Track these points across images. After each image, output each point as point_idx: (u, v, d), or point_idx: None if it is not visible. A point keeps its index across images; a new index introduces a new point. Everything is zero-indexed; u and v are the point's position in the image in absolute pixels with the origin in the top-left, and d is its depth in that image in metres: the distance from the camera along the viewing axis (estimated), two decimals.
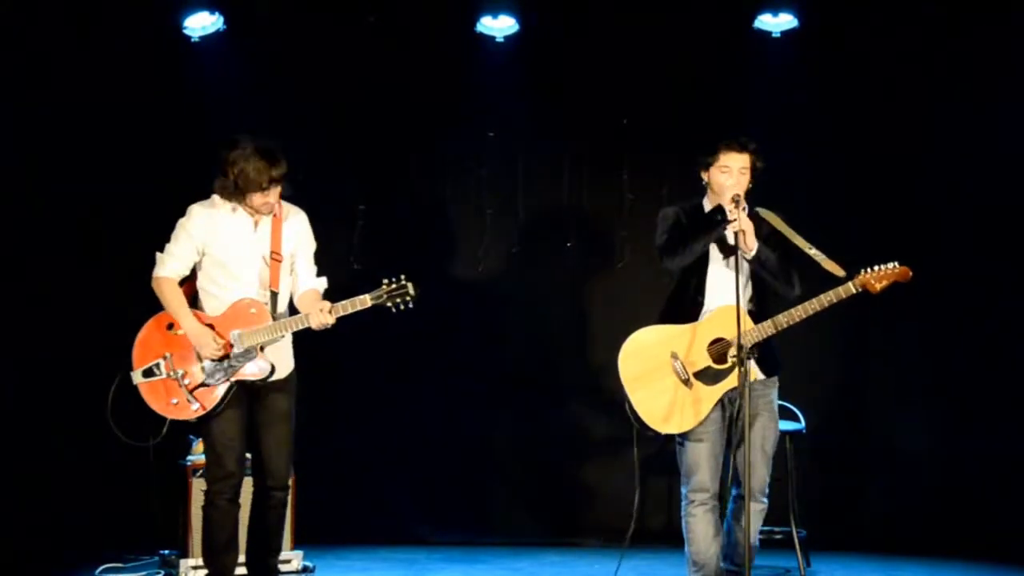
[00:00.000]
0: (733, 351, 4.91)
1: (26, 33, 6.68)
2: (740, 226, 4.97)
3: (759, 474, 5.08)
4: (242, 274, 5.18)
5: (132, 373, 5.21)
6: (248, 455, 5.33)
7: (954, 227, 7.16)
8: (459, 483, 7.38)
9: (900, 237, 7.01)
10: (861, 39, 7.16)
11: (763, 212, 5.22)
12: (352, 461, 7.26)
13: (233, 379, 5.12)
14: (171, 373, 5.15)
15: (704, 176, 5.19)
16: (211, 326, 5.14)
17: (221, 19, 7.03)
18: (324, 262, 5.44)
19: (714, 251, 5.13)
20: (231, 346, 5.11)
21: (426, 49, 7.22)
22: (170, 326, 5.19)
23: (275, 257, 5.20)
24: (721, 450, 5.12)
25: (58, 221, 6.86)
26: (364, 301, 5.02)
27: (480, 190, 7.45)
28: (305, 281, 5.30)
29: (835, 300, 4.95)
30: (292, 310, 5.28)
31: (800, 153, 7.01)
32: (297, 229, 5.30)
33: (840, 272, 4.99)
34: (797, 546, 6.26)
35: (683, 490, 5.17)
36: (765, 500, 5.14)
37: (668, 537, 6.97)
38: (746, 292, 5.11)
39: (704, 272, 5.13)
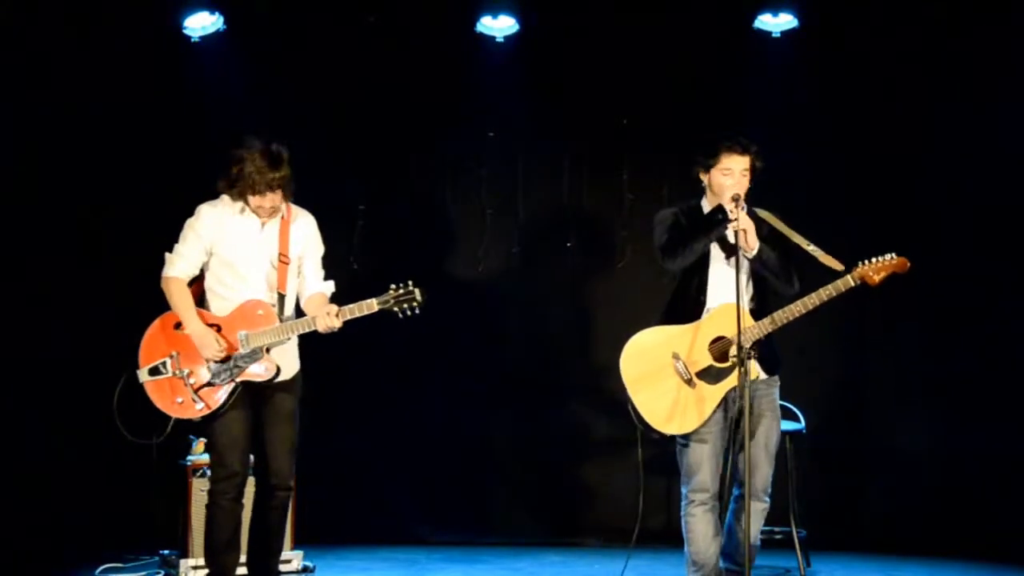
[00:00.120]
0: (735, 349, 4.90)
1: (26, 33, 6.68)
2: (741, 226, 4.97)
3: (762, 473, 5.09)
4: (249, 275, 5.20)
5: (138, 371, 5.23)
6: (252, 456, 5.35)
7: (954, 227, 7.16)
8: (459, 483, 7.39)
9: (900, 237, 6.97)
10: (861, 39, 7.16)
11: (760, 212, 5.22)
12: (352, 461, 7.26)
13: (238, 380, 5.14)
14: (177, 372, 5.17)
15: (704, 177, 5.19)
16: (218, 326, 5.16)
17: (221, 19, 7.03)
18: (324, 262, 5.44)
19: (715, 251, 5.13)
20: (235, 347, 5.13)
21: (426, 49, 7.22)
22: (177, 325, 5.21)
23: (282, 260, 5.22)
24: (723, 450, 5.12)
25: (58, 221, 6.86)
26: (371, 306, 5.04)
27: (480, 190, 7.46)
28: (312, 284, 5.31)
29: (834, 294, 4.95)
30: (299, 312, 5.29)
31: (800, 153, 7.01)
32: (305, 232, 5.31)
33: (838, 266, 4.99)
34: (797, 546, 6.26)
35: (683, 490, 5.17)
36: (767, 499, 5.14)
37: (668, 537, 6.96)
38: (747, 291, 5.11)
39: (705, 272, 5.13)
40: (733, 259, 5.00)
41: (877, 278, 4.95)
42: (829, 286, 4.94)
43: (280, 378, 5.20)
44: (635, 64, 7.23)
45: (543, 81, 7.31)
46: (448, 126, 7.37)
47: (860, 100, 7.24)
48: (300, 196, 5.35)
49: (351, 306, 5.07)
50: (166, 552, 6.29)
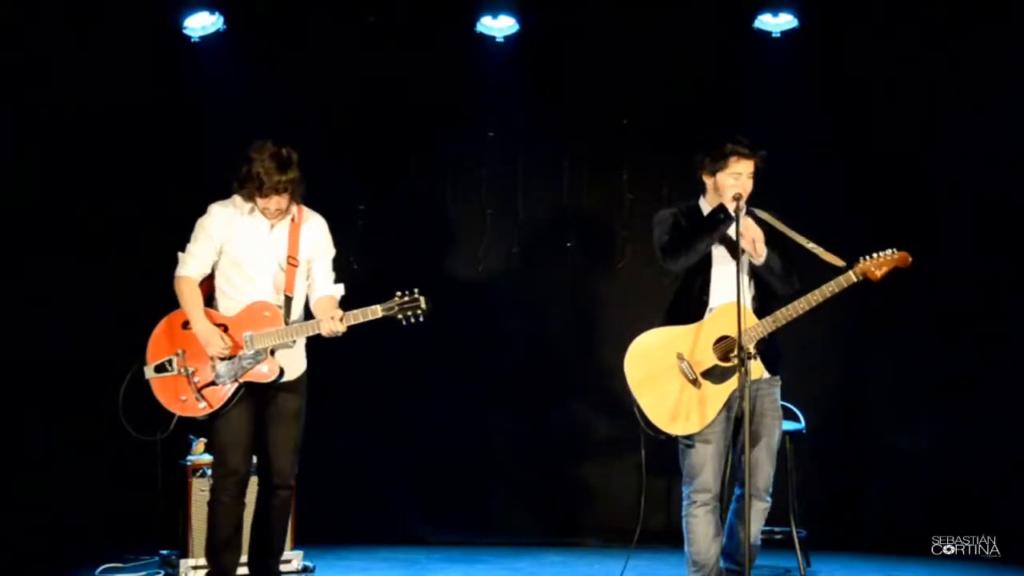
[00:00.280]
0: (744, 351, 4.89)
1: (26, 33, 6.68)
2: (752, 235, 4.98)
3: (764, 472, 5.09)
4: (256, 276, 5.22)
5: (145, 367, 5.26)
6: (255, 458, 5.37)
7: (954, 227, 7.16)
8: (459, 483, 7.38)
9: (900, 237, 6.95)
10: (861, 39, 7.16)
11: (759, 212, 5.23)
12: (352, 461, 7.26)
13: (242, 380, 5.16)
14: (182, 370, 5.20)
15: (708, 179, 5.18)
16: (225, 326, 5.18)
17: (221, 19, 7.03)
18: None
19: (717, 251, 5.13)
20: (240, 347, 5.15)
21: (426, 49, 7.22)
22: (185, 324, 5.24)
23: (291, 262, 5.24)
24: (726, 450, 5.12)
25: (58, 221, 6.86)
26: (375, 311, 5.07)
27: (480, 190, 7.46)
28: (322, 287, 5.32)
29: (836, 290, 4.95)
30: (308, 315, 5.31)
31: (800, 153, 7.01)
32: (315, 234, 5.33)
33: (840, 263, 4.99)
34: (797, 546, 6.26)
35: (685, 490, 5.16)
36: (769, 499, 5.14)
37: (668, 537, 6.96)
38: (749, 290, 5.12)
39: (708, 272, 5.13)
40: (738, 258, 4.99)
41: (879, 273, 4.94)
42: (831, 283, 4.94)
43: (284, 379, 5.22)
44: (635, 64, 7.23)
45: (543, 81, 7.31)
46: (448, 126, 7.37)
47: (860, 100, 7.24)
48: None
49: (355, 312, 5.09)
50: (166, 552, 6.29)
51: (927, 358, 7.28)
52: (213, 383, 5.17)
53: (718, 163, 5.11)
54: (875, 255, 4.95)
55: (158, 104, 6.99)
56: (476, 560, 6.84)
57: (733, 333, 4.94)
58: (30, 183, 6.80)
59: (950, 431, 7.23)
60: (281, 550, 5.53)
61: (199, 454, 6.20)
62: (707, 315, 5.09)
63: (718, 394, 5.03)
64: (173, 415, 5.22)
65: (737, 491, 5.16)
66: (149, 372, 5.25)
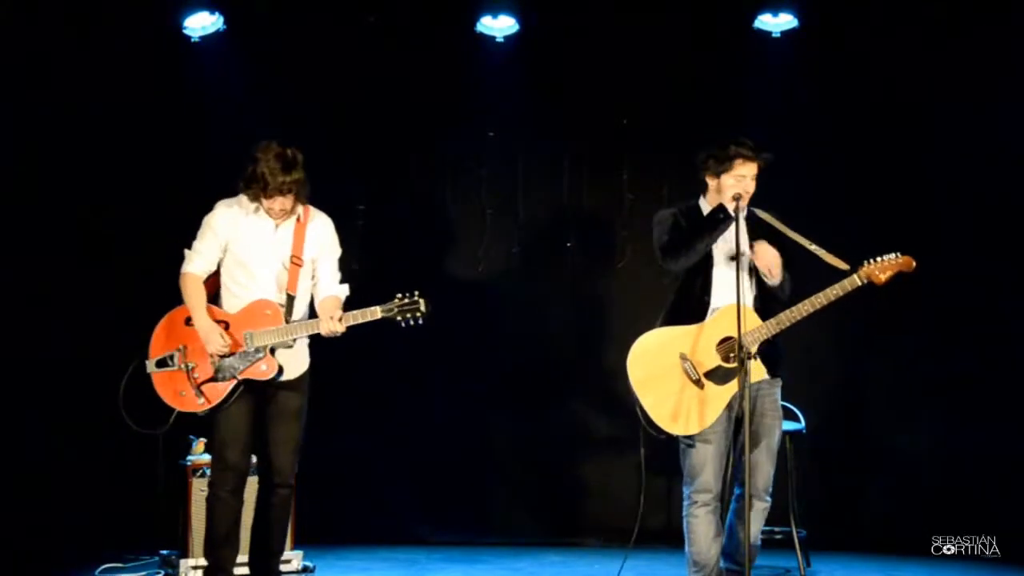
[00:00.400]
0: (744, 351, 4.89)
1: (26, 33, 6.68)
2: (768, 261, 4.99)
3: (764, 472, 5.09)
4: (260, 275, 5.25)
5: (147, 362, 5.29)
6: (255, 455, 5.39)
7: (954, 227, 7.16)
8: (459, 483, 7.38)
9: (900, 237, 6.97)
10: (861, 39, 7.16)
11: (760, 212, 5.23)
12: (352, 461, 7.26)
13: (240, 377, 5.18)
14: (182, 365, 5.23)
15: (711, 180, 5.17)
16: (226, 323, 5.21)
17: (221, 19, 7.03)
18: None
19: (718, 251, 5.12)
20: (240, 345, 5.17)
21: (426, 49, 7.22)
22: (188, 320, 5.27)
23: (295, 261, 5.26)
24: (727, 450, 5.12)
25: (58, 221, 6.85)
26: (374, 313, 5.10)
27: (480, 190, 7.46)
28: (327, 287, 5.34)
29: (841, 294, 4.95)
30: (313, 314, 5.32)
31: (800, 153, 7.00)
32: (321, 234, 5.34)
33: (843, 266, 4.99)
34: (797, 546, 6.26)
35: (685, 490, 5.16)
36: (769, 499, 5.14)
37: (668, 537, 6.97)
38: (751, 290, 5.12)
39: (709, 272, 5.13)
40: (739, 258, 4.99)
41: (883, 277, 4.95)
42: (836, 286, 4.95)
43: (284, 377, 5.24)
44: (635, 64, 7.23)
45: (543, 81, 7.31)
46: (448, 126, 7.37)
47: (860, 100, 7.24)
48: None
49: (354, 312, 5.13)
50: (166, 552, 6.29)
51: (927, 358, 7.28)
52: (212, 379, 5.19)
53: (723, 165, 5.10)
54: (879, 259, 4.95)
55: (158, 104, 6.99)
56: (476, 560, 6.84)
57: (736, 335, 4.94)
58: (30, 183, 6.79)
59: (950, 431, 7.23)
60: (281, 550, 5.54)
61: (199, 454, 6.20)
62: (710, 315, 5.09)
63: (720, 395, 5.03)
64: (173, 410, 5.25)
65: (737, 491, 5.16)
66: (150, 367, 5.29)
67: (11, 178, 6.73)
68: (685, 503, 5.16)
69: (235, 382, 5.18)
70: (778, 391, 5.21)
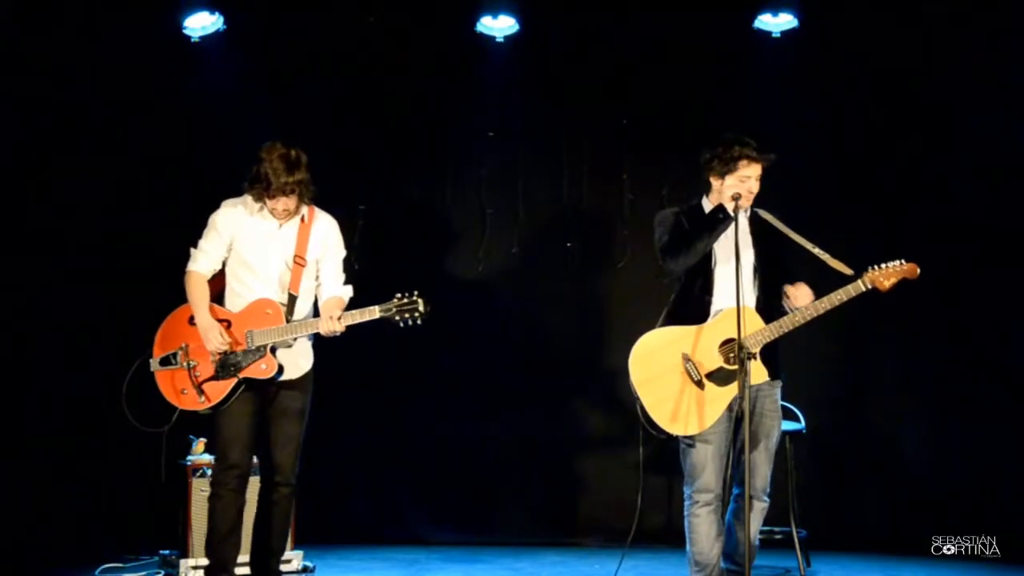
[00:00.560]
0: (744, 351, 4.89)
1: (26, 33, 6.68)
2: (799, 302, 4.99)
3: (763, 473, 5.09)
4: (262, 274, 5.27)
5: (150, 360, 5.32)
6: (257, 456, 5.40)
7: (954, 227, 7.15)
8: (459, 483, 7.38)
9: (900, 237, 7.01)
10: (861, 39, 7.16)
11: (763, 214, 5.23)
12: (353, 461, 7.27)
13: (241, 376, 5.19)
14: (184, 364, 5.24)
15: (715, 181, 5.16)
16: (228, 322, 5.22)
17: (221, 19, 7.03)
18: None
19: (720, 251, 5.12)
20: (241, 344, 5.19)
21: (426, 49, 7.22)
22: (192, 319, 5.29)
23: (298, 261, 5.27)
24: (727, 450, 5.12)
25: (57, 220, 6.85)
26: (373, 312, 5.12)
27: (480, 190, 7.45)
28: (330, 287, 5.36)
29: (845, 299, 4.95)
30: (317, 315, 5.33)
31: (800, 153, 7.01)
32: (325, 235, 5.36)
33: (847, 271, 5.00)
34: (797, 546, 6.26)
35: (686, 490, 5.16)
36: (767, 499, 5.14)
37: (668, 537, 6.98)
38: (753, 291, 5.12)
39: (710, 272, 5.12)
40: (744, 256, 4.99)
41: (887, 283, 4.95)
42: (840, 291, 4.94)
43: (285, 377, 5.26)
44: (635, 64, 7.23)
45: (543, 81, 7.31)
46: (448, 126, 7.38)
47: (860, 100, 7.24)
48: None
49: (353, 312, 5.15)
50: (166, 552, 6.29)
51: (927, 358, 7.28)
52: (213, 378, 5.20)
53: (728, 166, 5.09)
54: (884, 265, 4.95)
55: (158, 104, 6.99)
56: (476, 560, 6.84)
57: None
58: (31, 183, 6.79)
59: (950, 432, 7.23)
60: (282, 549, 5.54)
61: (199, 454, 6.21)
62: (712, 316, 5.09)
63: (721, 396, 5.03)
64: (175, 409, 5.27)
65: (735, 490, 5.16)
66: (154, 365, 5.33)
67: (11, 178, 6.72)
68: (686, 503, 5.16)
69: (236, 381, 5.19)
70: (778, 392, 5.21)
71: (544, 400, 7.38)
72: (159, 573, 6.30)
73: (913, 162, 7.22)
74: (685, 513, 5.16)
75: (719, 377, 5.03)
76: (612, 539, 7.06)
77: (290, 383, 5.28)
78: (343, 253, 5.43)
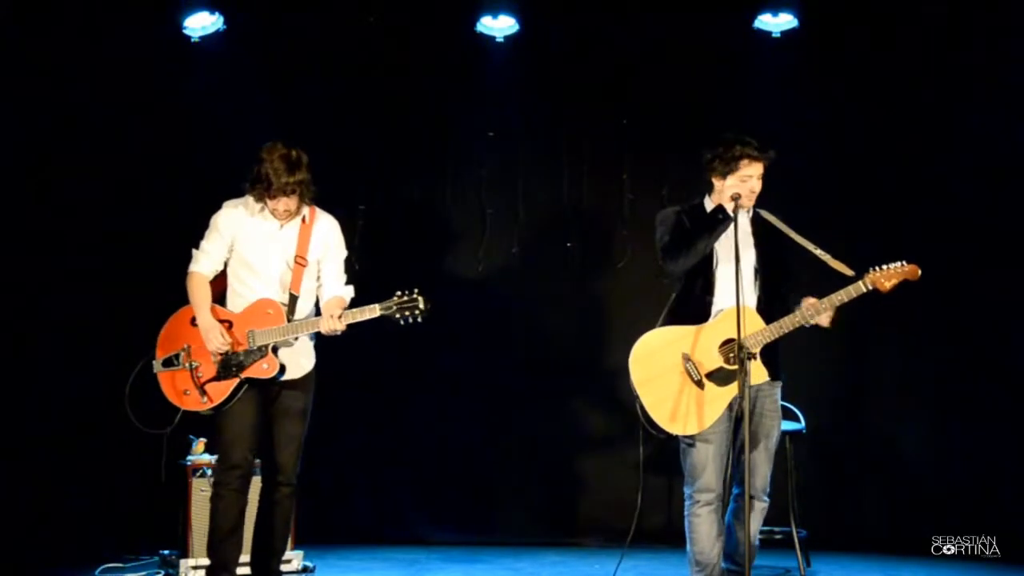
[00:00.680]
0: (744, 351, 4.89)
1: (26, 33, 6.68)
2: (825, 321, 4.98)
3: (762, 473, 5.09)
4: (263, 274, 5.28)
5: (153, 362, 5.33)
6: (258, 460, 5.42)
7: (954, 227, 7.15)
8: (459, 483, 7.39)
9: (900, 237, 7.01)
10: (861, 39, 7.16)
11: (765, 214, 5.22)
12: (352, 461, 7.27)
13: (243, 376, 5.20)
14: (187, 365, 5.25)
15: (716, 181, 5.15)
16: (229, 322, 5.23)
17: (221, 19, 7.04)
18: None
19: (722, 251, 5.11)
20: (243, 344, 5.20)
21: (426, 49, 7.22)
22: (194, 320, 5.29)
23: (299, 261, 5.28)
24: (727, 450, 5.12)
25: (57, 220, 6.85)
26: (373, 310, 5.12)
27: (480, 190, 7.45)
28: (331, 288, 5.36)
29: (846, 299, 4.95)
30: (319, 315, 5.32)
31: (800, 153, 7.01)
32: (326, 236, 5.37)
33: (848, 272, 4.99)
34: (797, 546, 6.26)
35: (687, 490, 5.16)
36: (767, 499, 5.14)
37: (668, 537, 6.98)
38: (754, 291, 5.12)
39: (711, 272, 5.12)
40: (745, 257, 4.99)
41: (888, 285, 4.95)
42: (841, 292, 4.94)
43: (287, 377, 5.26)
44: (635, 64, 7.24)
45: (543, 81, 7.31)
46: (448, 126, 7.38)
47: (860, 100, 7.24)
48: None
49: (353, 310, 5.16)
50: (166, 552, 6.29)
51: (927, 358, 7.28)
52: (215, 378, 5.21)
53: (729, 166, 5.08)
54: (885, 267, 4.94)
55: (158, 104, 6.99)
56: (476, 560, 6.84)
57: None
58: (29, 183, 6.79)
59: (950, 432, 7.23)
60: (283, 549, 5.54)
61: (199, 454, 6.21)
62: (713, 316, 5.08)
63: (721, 396, 5.03)
64: (177, 409, 5.28)
65: (735, 491, 5.16)
66: (157, 366, 5.33)
67: (11, 178, 6.72)
68: (687, 503, 5.16)
69: (238, 381, 5.20)
70: (778, 392, 5.21)
71: (544, 400, 7.39)
72: (159, 573, 6.30)
73: (913, 162, 7.22)
74: (686, 513, 5.16)
75: (719, 377, 5.03)
76: (612, 539, 7.05)
77: (292, 383, 5.29)
78: (344, 253, 5.44)
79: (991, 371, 7.14)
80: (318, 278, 5.37)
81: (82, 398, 6.69)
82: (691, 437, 5.07)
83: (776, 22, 7.17)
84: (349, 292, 5.38)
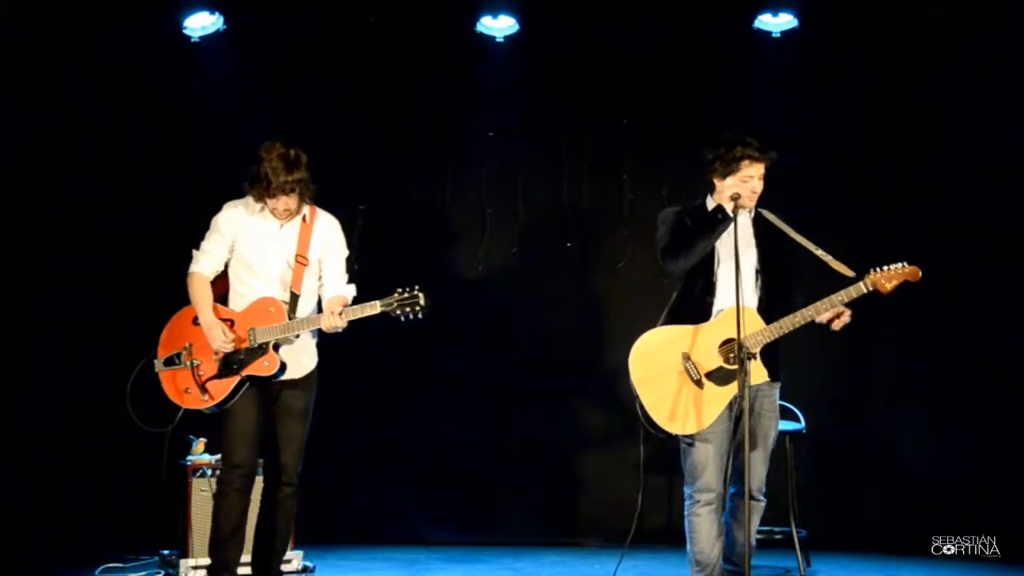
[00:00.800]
0: (744, 351, 4.89)
1: (26, 33, 6.68)
2: (844, 320, 5.00)
3: (759, 473, 5.09)
4: (264, 274, 5.29)
5: (155, 361, 5.35)
6: (262, 458, 5.42)
7: (954, 227, 7.15)
8: (459, 483, 7.38)
9: (900, 237, 7.01)
10: (861, 39, 7.16)
11: (767, 214, 5.22)
12: (353, 461, 7.27)
13: (243, 373, 5.21)
14: (188, 363, 5.27)
15: (717, 181, 5.14)
16: (231, 321, 5.24)
17: (221, 19, 7.04)
18: None
19: (723, 251, 5.11)
20: (244, 341, 5.21)
21: (426, 49, 7.22)
22: (196, 319, 5.31)
23: (300, 260, 5.29)
24: (727, 450, 5.12)
25: (57, 220, 6.85)
26: (374, 307, 5.14)
27: (480, 190, 7.46)
28: (333, 287, 5.37)
29: (846, 300, 4.95)
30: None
31: (800, 152, 7.00)
32: (327, 235, 5.38)
33: (849, 272, 4.99)
34: (797, 546, 6.26)
35: (687, 490, 5.15)
36: (763, 498, 5.14)
37: (668, 537, 6.98)
38: (755, 292, 5.12)
39: (712, 272, 5.12)
40: (746, 257, 4.99)
41: (889, 286, 4.94)
42: (841, 292, 4.94)
43: (289, 376, 5.28)
44: (635, 64, 7.23)
45: (543, 81, 7.31)
46: (448, 126, 7.38)
47: (860, 100, 7.24)
48: None
49: (354, 307, 5.17)
50: (166, 552, 6.29)
51: (927, 359, 7.28)
52: (217, 376, 5.22)
53: (730, 167, 5.07)
54: (886, 268, 4.94)
55: (158, 104, 6.99)
56: (476, 560, 6.84)
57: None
58: (29, 183, 6.79)
59: (950, 432, 7.23)
60: (284, 550, 5.54)
61: (199, 454, 6.21)
62: (714, 316, 5.08)
63: (721, 396, 5.03)
64: (178, 409, 5.29)
65: (731, 490, 5.16)
66: (159, 365, 5.35)
67: (11, 178, 6.72)
68: (687, 503, 5.15)
69: (239, 379, 5.21)
70: (776, 392, 5.21)
71: (544, 400, 7.39)
72: (159, 573, 6.30)
73: (913, 162, 7.22)
74: (686, 513, 5.16)
75: (718, 377, 5.03)
76: (612, 539, 7.05)
77: (293, 382, 5.30)
78: (345, 252, 5.45)
79: (991, 371, 7.15)
80: (319, 277, 5.38)
81: (82, 398, 6.69)
82: (691, 437, 5.07)
83: (776, 22, 7.17)
84: (351, 291, 5.39)
